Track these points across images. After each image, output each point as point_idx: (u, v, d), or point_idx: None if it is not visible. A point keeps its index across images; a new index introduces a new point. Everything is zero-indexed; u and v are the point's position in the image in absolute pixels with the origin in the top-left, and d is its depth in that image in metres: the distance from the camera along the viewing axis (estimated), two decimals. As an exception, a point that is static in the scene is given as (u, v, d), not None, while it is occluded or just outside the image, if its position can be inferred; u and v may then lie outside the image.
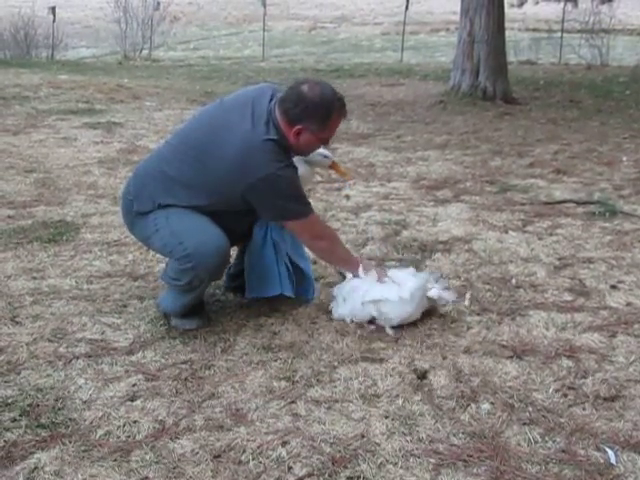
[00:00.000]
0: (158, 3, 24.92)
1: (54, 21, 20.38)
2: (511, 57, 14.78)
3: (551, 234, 4.94)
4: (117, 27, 24.56)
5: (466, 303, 3.82)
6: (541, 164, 7.06)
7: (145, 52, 24.30)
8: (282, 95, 3.34)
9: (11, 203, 5.47)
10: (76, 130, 8.20)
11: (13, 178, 6.12)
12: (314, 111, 3.28)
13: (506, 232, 4.95)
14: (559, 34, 20.13)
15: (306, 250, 3.77)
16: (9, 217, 5.14)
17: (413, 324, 3.56)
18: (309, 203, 3.43)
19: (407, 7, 21.97)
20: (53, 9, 20.62)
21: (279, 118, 3.31)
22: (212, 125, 3.40)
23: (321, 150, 3.58)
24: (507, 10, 11.92)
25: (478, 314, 3.72)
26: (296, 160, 3.46)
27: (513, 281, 4.13)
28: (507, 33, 12.19)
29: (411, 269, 3.75)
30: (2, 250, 4.52)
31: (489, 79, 11.37)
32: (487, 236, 4.86)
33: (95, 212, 5.26)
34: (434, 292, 3.58)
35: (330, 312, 3.68)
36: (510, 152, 7.61)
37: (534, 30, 31.13)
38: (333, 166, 3.70)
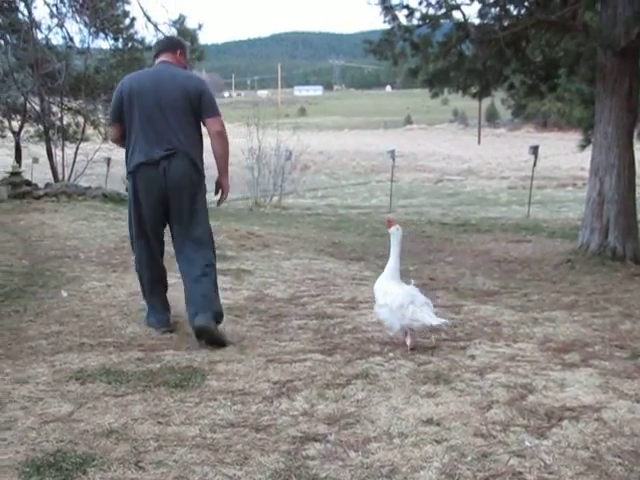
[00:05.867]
0: (290, 153, 25.91)
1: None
2: (641, 216, 14.55)
3: (686, 406, 4.72)
4: (250, 174, 25.63)
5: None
6: (674, 330, 6.82)
7: (275, 199, 25.16)
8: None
9: (141, 345, 5.64)
10: (206, 276, 8.42)
11: (146, 320, 6.32)
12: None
13: (638, 402, 4.75)
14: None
15: None
16: (139, 359, 5.30)
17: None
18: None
19: (535, 163, 22.15)
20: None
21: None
22: None
23: None
24: (638, 169, 11.83)
25: (609, 490, 3.55)
26: None
27: (646, 456, 3.94)
28: (637, 191, 12.08)
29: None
30: (131, 392, 4.65)
31: (618, 239, 11.19)
32: (618, 405, 4.67)
33: (221, 359, 5.35)
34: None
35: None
36: (641, 316, 7.40)
37: (665, 188, 30.72)
38: None
